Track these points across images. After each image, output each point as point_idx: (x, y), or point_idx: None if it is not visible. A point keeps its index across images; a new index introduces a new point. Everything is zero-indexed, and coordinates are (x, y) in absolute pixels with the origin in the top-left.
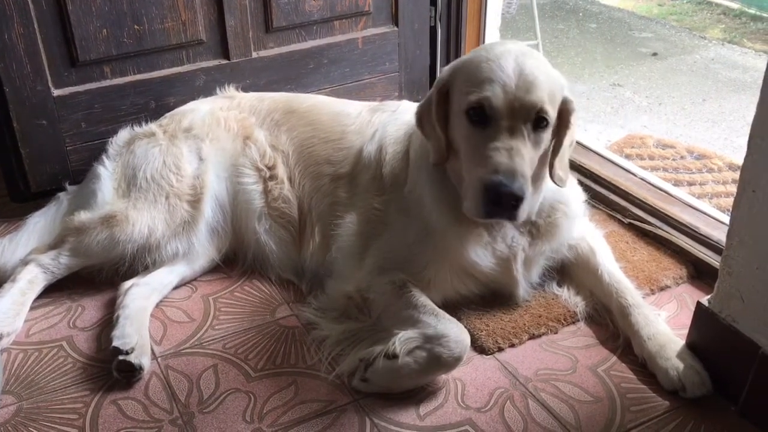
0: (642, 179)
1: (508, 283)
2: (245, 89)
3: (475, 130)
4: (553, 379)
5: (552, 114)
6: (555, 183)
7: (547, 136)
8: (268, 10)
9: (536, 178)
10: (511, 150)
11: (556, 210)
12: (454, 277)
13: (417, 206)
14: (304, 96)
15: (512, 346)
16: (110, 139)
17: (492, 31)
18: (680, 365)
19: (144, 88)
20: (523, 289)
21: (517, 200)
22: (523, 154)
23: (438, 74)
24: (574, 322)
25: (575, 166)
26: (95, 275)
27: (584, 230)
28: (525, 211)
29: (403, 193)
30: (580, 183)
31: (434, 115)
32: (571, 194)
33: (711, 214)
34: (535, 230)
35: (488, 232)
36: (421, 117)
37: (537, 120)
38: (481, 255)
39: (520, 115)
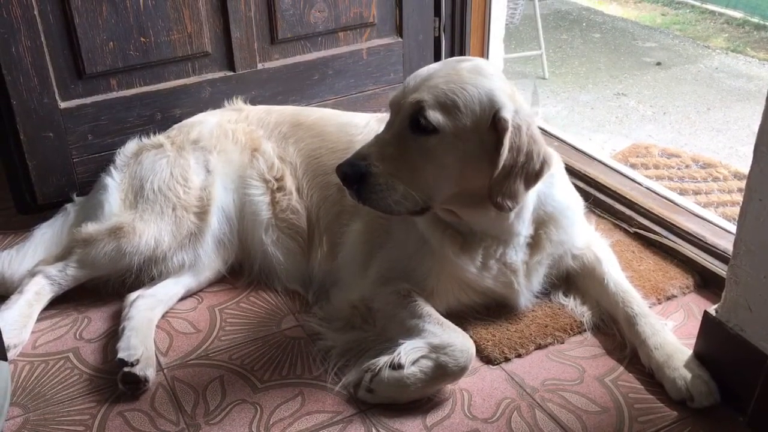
0: (647, 188)
1: (510, 295)
2: (251, 101)
3: None
4: (560, 390)
5: (439, 119)
6: (496, 208)
7: (438, 144)
8: (273, 22)
9: (483, 200)
10: (376, 140)
11: (551, 221)
12: (454, 288)
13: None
14: (311, 109)
15: (519, 356)
16: (117, 150)
17: (496, 42)
18: (688, 375)
19: (150, 100)
20: (524, 299)
21: (353, 178)
22: (384, 146)
23: None
24: (580, 332)
25: (580, 176)
26: (101, 286)
27: (589, 239)
28: (374, 197)
29: None
30: (584, 192)
31: None
32: (567, 204)
33: (717, 223)
34: (533, 241)
35: (466, 243)
36: None
37: (414, 119)
38: (475, 271)
39: (405, 111)
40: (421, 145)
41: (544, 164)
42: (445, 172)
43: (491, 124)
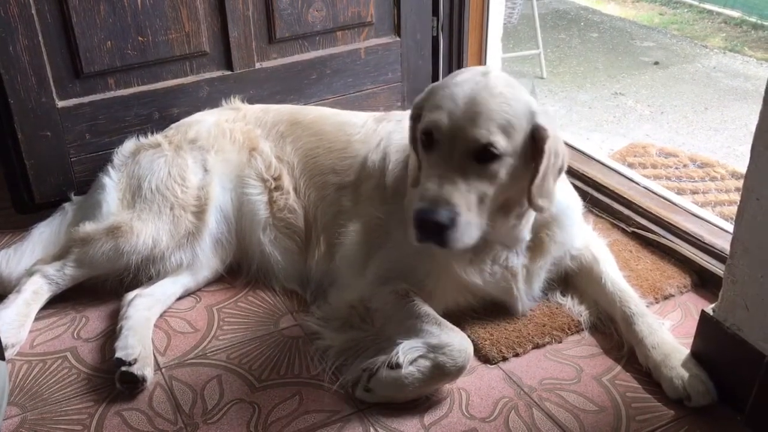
0: (645, 188)
1: (508, 299)
2: (248, 100)
3: (425, 154)
4: (558, 389)
5: (503, 144)
6: (535, 211)
7: (499, 167)
8: (271, 21)
9: (509, 208)
10: (442, 178)
11: (554, 222)
12: (453, 290)
13: None
14: (309, 108)
15: (516, 355)
16: (114, 149)
17: (494, 41)
18: (685, 374)
19: (148, 99)
20: (523, 304)
21: (440, 228)
22: (457, 183)
23: None
24: (578, 332)
25: (578, 175)
26: (99, 286)
27: (587, 239)
28: (459, 240)
29: (404, 203)
30: (582, 191)
31: (410, 139)
32: (568, 203)
33: (714, 223)
34: (534, 244)
35: (475, 254)
36: (415, 143)
37: (482, 152)
38: (476, 274)
39: (461, 145)
40: (486, 172)
41: (564, 160)
42: (499, 191)
43: (530, 132)
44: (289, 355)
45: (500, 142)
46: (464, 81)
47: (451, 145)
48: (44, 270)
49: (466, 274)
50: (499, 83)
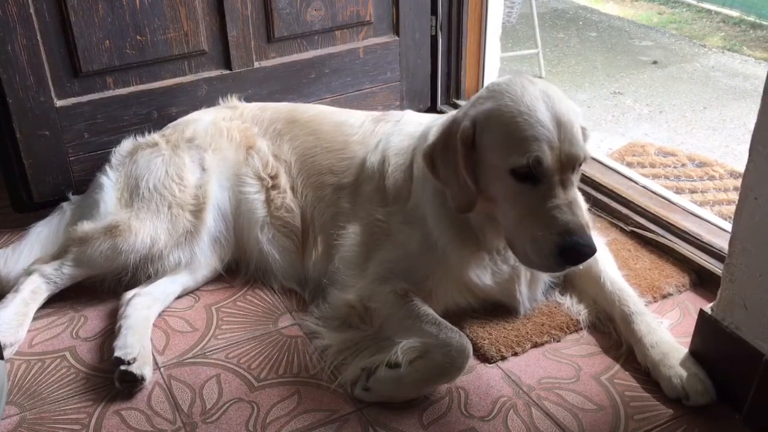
0: (644, 187)
1: (510, 301)
2: (247, 99)
3: (525, 187)
4: (557, 388)
5: (589, 154)
6: None
7: (580, 171)
8: (270, 21)
9: None
10: (571, 205)
11: None
12: (455, 291)
13: (420, 222)
14: (307, 106)
15: (515, 354)
16: (113, 149)
17: (493, 41)
18: (684, 373)
19: (146, 98)
20: (524, 307)
21: (594, 254)
22: (580, 204)
23: (438, 84)
24: (576, 331)
25: None
26: (98, 285)
27: None
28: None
29: (407, 207)
30: (582, 191)
31: (462, 168)
32: None
33: (713, 222)
34: None
35: (489, 255)
36: (434, 161)
37: (580, 165)
38: (482, 276)
39: (568, 168)
40: (575, 179)
41: None
42: None
43: None
44: (288, 354)
45: (587, 150)
46: (534, 100)
47: (561, 171)
48: (42, 269)
49: (477, 276)
50: (556, 91)
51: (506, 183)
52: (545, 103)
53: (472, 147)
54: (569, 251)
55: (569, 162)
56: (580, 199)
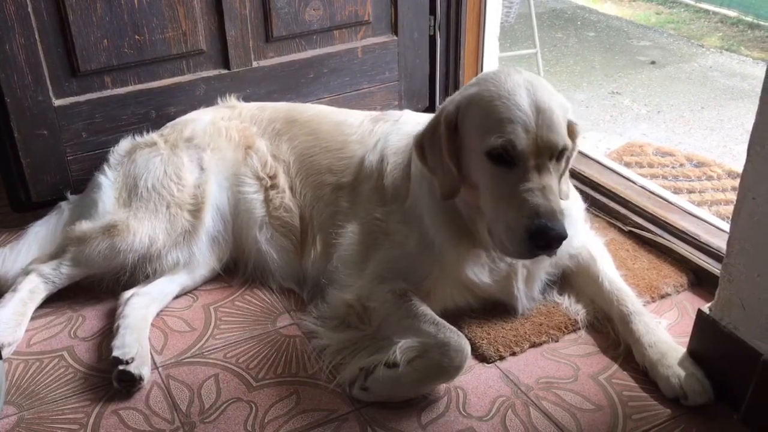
0: (642, 187)
1: (508, 299)
2: (246, 99)
3: (500, 170)
4: (555, 388)
5: (569, 143)
6: (562, 198)
7: (563, 161)
8: (269, 20)
9: None
10: (544, 189)
11: None
12: (453, 290)
13: (417, 220)
14: (305, 106)
15: (513, 354)
16: (111, 148)
17: (491, 40)
18: (682, 373)
19: (144, 97)
20: (522, 305)
21: (562, 239)
22: (554, 189)
23: (436, 84)
24: (575, 331)
25: (575, 174)
26: (96, 285)
27: (585, 238)
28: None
29: (404, 206)
30: (580, 191)
31: (445, 152)
32: (571, 203)
33: (711, 222)
34: None
35: (486, 252)
36: (423, 149)
37: (559, 153)
38: (479, 273)
39: (545, 153)
40: (556, 168)
41: None
42: None
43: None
44: (286, 354)
45: (568, 141)
46: (515, 89)
47: (537, 155)
48: (40, 269)
49: (474, 274)
50: (543, 82)
51: (483, 166)
52: (527, 90)
53: (455, 131)
54: (537, 234)
55: (546, 147)
56: (556, 187)
